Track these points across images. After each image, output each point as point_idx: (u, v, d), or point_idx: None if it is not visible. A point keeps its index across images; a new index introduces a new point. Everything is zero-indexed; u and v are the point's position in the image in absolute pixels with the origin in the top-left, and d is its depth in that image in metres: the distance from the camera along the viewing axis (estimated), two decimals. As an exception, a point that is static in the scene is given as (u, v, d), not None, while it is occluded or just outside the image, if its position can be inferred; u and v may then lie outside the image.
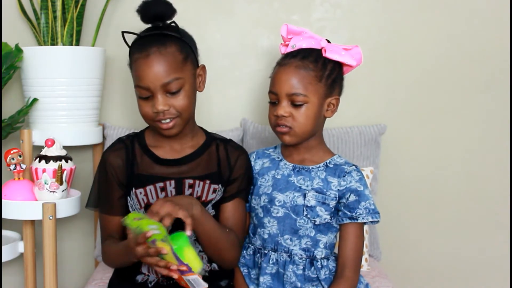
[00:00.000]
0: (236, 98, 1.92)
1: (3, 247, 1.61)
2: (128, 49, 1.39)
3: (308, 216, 1.37)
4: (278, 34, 1.47)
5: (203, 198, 1.40)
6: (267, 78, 1.45)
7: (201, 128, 1.50)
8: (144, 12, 1.36)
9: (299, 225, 1.38)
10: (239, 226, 1.43)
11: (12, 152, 1.57)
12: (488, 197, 1.99)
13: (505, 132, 1.97)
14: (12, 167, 1.58)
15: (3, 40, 1.71)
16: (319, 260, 1.39)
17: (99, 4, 1.80)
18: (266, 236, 1.41)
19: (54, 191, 1.56)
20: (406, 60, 1.93)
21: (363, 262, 1.67)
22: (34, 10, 1.75)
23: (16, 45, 1.67)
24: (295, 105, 1.36)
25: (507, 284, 2.01)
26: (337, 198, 1.38)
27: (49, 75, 1.68)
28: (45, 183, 1.54)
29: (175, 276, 1.20)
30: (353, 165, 1.41)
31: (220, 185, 1.42)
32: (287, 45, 1.44)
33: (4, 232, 1.75)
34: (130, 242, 1.24)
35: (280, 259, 1.39)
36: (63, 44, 1.73)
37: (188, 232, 1.23)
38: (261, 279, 1.39)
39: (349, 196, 1.37)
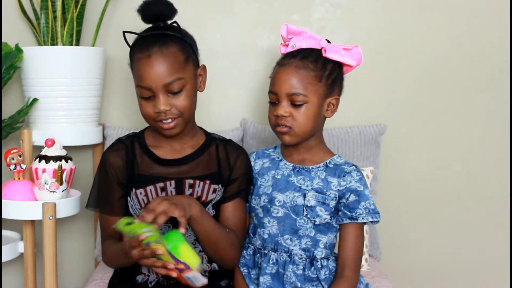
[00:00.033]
0: (236, 98, 1.92)
1: (3, 247, 1.61)
2: (128, 49, 1.39)
3: (308, 216, 1.37)
4: (278, 34, 1.47)
5: (203, 198, 1.40)
6: (267, 78, 1.44)
7: (201, 128, 1.50)
8: (145, 12, 1.36)
9: (299, 225, 1.38)
10: (239, 226, 1.43)
11: (12, 152, 1.57)
12: (488, 197, 1.99)
13: (505, 132, 1.97)
14: (12, 167, 1.58)
15: (3, 40, 1.71)
16: (319, 260, 1.39)
17: (99, 4, 1.80)
18: (266, 236, 1.41)
19: (54, 191, 1.56)
20: (406, 60, 1.93)
21: (363, 262, 1.67)
22: (34, 10, 1.75)
23: (16, 45, 1.67)
24: (295, 105, 1.36)
25: (507, 284, 2.01)
26: (337, 198, 1.38)
27: (49, 75, 1.69)
28: (45, 183, 1.54)
29: (174, 274, 1.20)
30: (353, 165, 1.41)
31: (220, 185, 1.42)
32: (287, 45, 1.44)
33: (4, 232, 1.75)
34: (125, 246, 1.25)
35: (280, 259, 1.39)
36: (63, 44, 1.73)
37: (182, 230, 1.22)
38: (261, 279, 1.39)
39: (349, 196, 1.37)
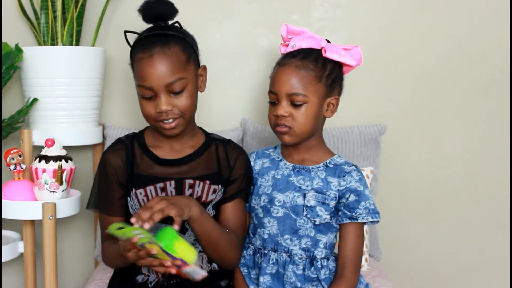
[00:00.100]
0: (236, 98, 1.92)
1: (3, 247, 1.61)
2: (128, 49, 1.39)
3: (308, 216, 1.37)
4: (278, 34, 1.47)
5: (203, 199, 1.40)
6: (267, 78, 1.44)
7: (200, 128, 1.50)
8: (146, 12, 1.36)
9: (299, 225, 1.38)
10: (239, 227, 1.43)
11: (12, 152, 1.57)
12: (488, 197, 1.99)
13: (505, 132, 1.97)
14: (12, 167, 1.58)
15: (3, 40, 1.71)
16: (319, 260, 1.39)
17: (99, 4, 1.80)
18: (266, 236, 1.41)
19: (54, 191, 1.56)
20: (406, 60, 1.93)
21: (363, 262, 1.67)
22: (34, 10, 1.75)
23: (16, 45, 1.67)
24: (295, 105, 1.36)
25: (507, 284, 2.01)
26: (337, 198, 1.38)
27: (49, 75, 1.69)
28: (45, 183, 1.54)
29: (173, 271, 1.20)
30: (353, 165, 1.41)
31: (220, 186, 1.42)
32: (287, 45, 1.44)
33: (4, 232, 1.75)
34: (120, 249, 1.25)
35: (280, 259, 1.39)
36: (63, 44, 1.73)
37: (176, 227, 1.22)
38: (261, 279, 1.39)
39: (349, 196, 1.37)
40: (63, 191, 1.58)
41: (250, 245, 1.46)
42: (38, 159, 1.56)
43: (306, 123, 1.36)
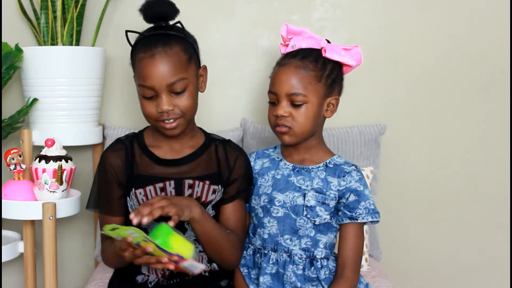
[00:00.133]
0: (236, 98, 1.92)
1: (3, 247, 1.61)
2: (128, 49, 1.39)
3: (308, 216, 1.37)
4: (278, 34, 1.47)
5: (203, 199, 1.40)
6: (267, 78, 1.44)
7: (200, 128, 1.50)
8: (147, 12, 1.36)
9: (299, 225, 1.38)
10: (239, 227, 1.43)
11: (12, 152, 1.57)
12: (488, 197, 1.99)
13: (505, 132, 1.97)
14: (12, 167, 1.58)
15: (3, 40, 1.71)
16: (319, 260, 1.39)
17: (99, 4, 1.80)
18: (266, 236, 1.41)
19: (54, 191, 1.56)
20: (406, 60, 1.93)
21: (363, 262, 1.67)
22: (34, 10, 1.75)
23: (16, 45, 1.67)
24: (295, 105, 1.36)
25: (507, 284, 2.01)
26: (337, 198, 1.38)
27: (49, 75, 1.69)
28: (45, 183, 1.54)
29: (171, 267, 1.20)
30: (353, 165, 1.41)
31: (219, 186, 1.42)
32: (287, 45, 1.44)
33: (4, 232, 1.75)
34: (116, 250, 1.25)
35: (280, 259, 1.39)
36: (63, 44, 1.73)
37: (171, 223, 1.22)
38: (261, 279, 1.39)
39: (349, 196, 1.37)
40: (63, 191, 1.58)
41: (250, 245, 1.46)
42: (38, 159, 1.56)
43: (306, 123, 1.36)
